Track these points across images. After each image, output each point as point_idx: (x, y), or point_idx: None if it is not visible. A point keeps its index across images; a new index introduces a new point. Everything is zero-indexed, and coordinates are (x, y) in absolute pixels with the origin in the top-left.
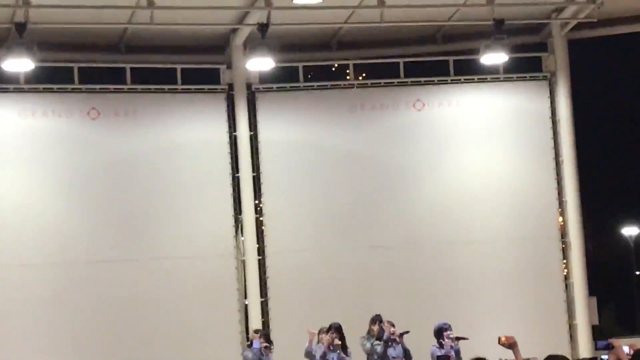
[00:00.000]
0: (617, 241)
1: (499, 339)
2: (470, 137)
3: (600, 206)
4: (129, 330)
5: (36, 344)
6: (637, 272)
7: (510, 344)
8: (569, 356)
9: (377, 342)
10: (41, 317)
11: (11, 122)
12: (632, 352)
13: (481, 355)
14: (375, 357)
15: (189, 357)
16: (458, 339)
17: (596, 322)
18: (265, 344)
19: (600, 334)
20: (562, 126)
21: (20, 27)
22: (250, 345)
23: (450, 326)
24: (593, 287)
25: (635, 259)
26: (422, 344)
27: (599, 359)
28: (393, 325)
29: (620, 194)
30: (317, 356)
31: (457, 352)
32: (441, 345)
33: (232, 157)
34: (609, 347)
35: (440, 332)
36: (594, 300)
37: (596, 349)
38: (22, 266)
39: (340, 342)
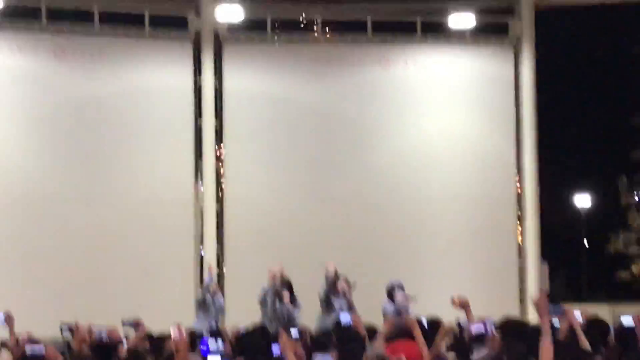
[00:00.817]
0: (568, 210)
1: (453, 299)
2: (433, 98)
3: (555, 174)
4: (84, 273)
5: None
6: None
7: (463, 305)
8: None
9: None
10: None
11: None
12: (584, 318)
13: (434, 315)
14: (320, 302)
15: (144, 301)
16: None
17: (546, 288)
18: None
19: (550, 300)
20: (524, 92)
21: None
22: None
23: (403, 286)
24: (544, 253)
25: (585, 230)
26: (372, 301)
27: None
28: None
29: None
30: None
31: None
32: (393, 301)
33: (195, 105)
34: (561, 312)
35: (391, 291)
36: (546, 266)
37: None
38: None
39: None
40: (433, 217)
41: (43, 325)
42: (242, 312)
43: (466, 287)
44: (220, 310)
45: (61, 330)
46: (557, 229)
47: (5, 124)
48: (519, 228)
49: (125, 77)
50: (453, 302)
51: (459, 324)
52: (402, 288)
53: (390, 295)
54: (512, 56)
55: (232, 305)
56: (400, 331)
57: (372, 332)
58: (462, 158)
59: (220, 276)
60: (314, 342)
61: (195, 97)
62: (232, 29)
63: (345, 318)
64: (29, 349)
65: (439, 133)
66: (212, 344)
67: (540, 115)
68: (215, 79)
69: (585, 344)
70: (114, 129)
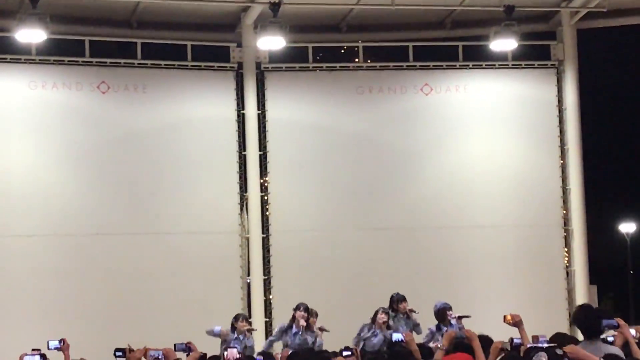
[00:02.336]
0: (614, 236)
1: (505, 317)
2: (476, 123)
3: (600, 197)
4: (131, 305)
5: (39, 315)
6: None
7: (516, 322)
8: None
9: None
10: (45, 288)
11: (21, 93)
12: (638, 332)
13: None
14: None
15: (190, 333)
16: (460, 317)
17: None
18: (247, 327)
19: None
20: (568, 115)
21: None
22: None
23: (451, 307)
24: (593, 276)
25: (631, 257)
26: (424, 326)
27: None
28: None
29: (621, 188)
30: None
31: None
32: (440, 328)
33: (239, 135)
34: (615, 326)
35: (442, 313)
36: (595, 288)
37: (601, 327)
38: (28, 237)
39: (305, 323)
40: (479, 243)
41: (97, 356)
42: None
43: (515, 311)
44: (251, 351)
45: (115, 354)
46: (603, 255)
47: (49, 159)
48: (566, 251)
49: (168, 109)
50: (505, 319)
51: (511, 340)
52: (450, 309)
53: (440, 318)
54: (554, 79)
55: None
56: (459, 345)
57: (426, 350)
58: (507, 183)
59: (268, 302)
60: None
61: (239, 127)
62: (274, 58)
63: (397, 336)
64: None
65: (482, 158)
66: None
67: (584, 138)
68: (258, 108)
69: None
70: (158, 161)
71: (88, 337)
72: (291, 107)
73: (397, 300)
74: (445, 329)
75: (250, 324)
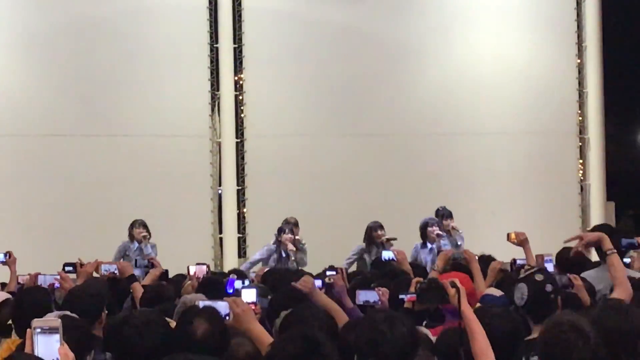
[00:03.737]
0: (635, 147)
1: (508, 235)
2: (483, 14)
3: (621, 103)
4: (86, 215)
5: None
6: None
7: (521, 241)
8: None
9: None
10: None
11: None
12: None
13: (486, 252)
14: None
15: (157, 244)
16: (389, 240)
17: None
18: (144, 233)
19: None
20: (587, 6)
21: None
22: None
23: (437, 221)
24: (610, 191)
25: None
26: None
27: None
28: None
29: None
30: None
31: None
32: (425, 244)
33: (210, 25)
34: (636, 246)
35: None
36: (612, 205)
37: (621, 247)
38: None
39: (294, 248)
40: (484, 151)
41: (46, 270)
42: None
43: (522, 228)
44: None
45: (64, 268)
46: (623, 167)
47: None
48: (581, 162)
49: None
50: (510, 237)
51: (513, 261)
52: (434, 224)
53: (423, 234)
54: None
55: (254, 245)
56: (456, 266)
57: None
58: (517, 84)
59: (241, 217)
60: (354, 280)
61: (210, 15)
62: None
63: (387, 254)
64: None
65: (488, 55)
66: (239, 284)
67: (605, 35)
68: None
69: None
70: (117, 53)
71: (37, 250)
72: None
73: (442, 216)
74: (431, 246)
75: (148, 231)
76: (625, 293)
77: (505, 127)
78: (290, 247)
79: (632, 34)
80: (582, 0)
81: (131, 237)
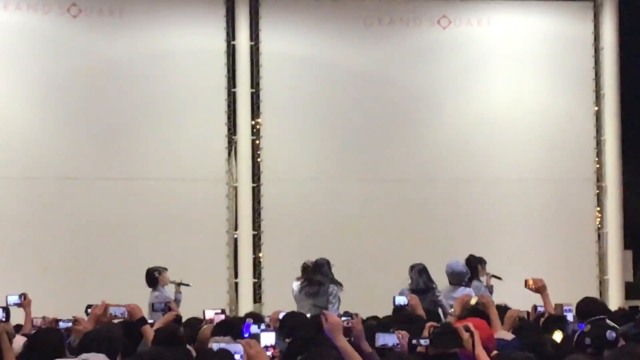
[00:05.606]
0: None
1: (526, 281)
2: (500, 61)
3: (638, 150)
4: (101, 259)
5: (0, 260)
6: None
7: (539, 288)
8: None
9: None
10: (5, 237)
11: None
12: None
13: (501, 301)
14: None
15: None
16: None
17: (630, 279)
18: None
19: (634, 293)
20: (605, 55)
21: None
22: None
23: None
24: (628, 239)
25: None
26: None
27: None
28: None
29: None
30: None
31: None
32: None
33: (228, 70)
34: None
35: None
36: (630, 253)
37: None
38: None
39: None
40: (500, 197)
41: (60, 311)
42: (279, 297)
43: (538, 276)
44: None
45: (86, 311)
46: None
47: (12, 91)
48: (598, 210)
49: (148, 38)
50: (527, 284)
51: (534, 308)
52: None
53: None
54: (591, 14)
55: (269, 290)
56: (474, 312)
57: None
58: (533, 130)
59: (256, 262)
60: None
61: (228, 60)
62: None
63: (400, 299)
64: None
65: (506, 103)
66: (255, 328)
67: (622, 82)
68: (251, 39)
69: None
70: (136, 97)
71: (52, 293)
72: (289, 39)
73: (479, 262)
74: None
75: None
76: None
77: (522, 174)
78: None
79: None
80: (600, 47)
81: (154, 282)
